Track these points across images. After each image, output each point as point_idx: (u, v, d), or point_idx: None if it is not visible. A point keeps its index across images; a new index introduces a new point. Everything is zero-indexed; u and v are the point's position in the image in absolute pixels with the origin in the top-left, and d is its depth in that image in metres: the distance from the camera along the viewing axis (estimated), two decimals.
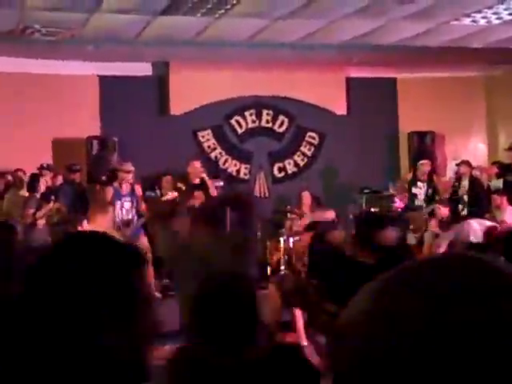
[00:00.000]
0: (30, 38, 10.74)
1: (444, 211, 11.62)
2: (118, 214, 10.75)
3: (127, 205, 10.83)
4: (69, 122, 12.57)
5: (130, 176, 10.98)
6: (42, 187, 11.01)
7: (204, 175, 11.46)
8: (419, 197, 12.60)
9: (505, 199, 11.54)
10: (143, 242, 10.80)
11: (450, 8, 10.18)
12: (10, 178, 11.74)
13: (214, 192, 11.36)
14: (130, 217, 10.78)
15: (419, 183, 12.71)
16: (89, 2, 9.26)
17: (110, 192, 10.69)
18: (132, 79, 13.07)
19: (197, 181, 11.50)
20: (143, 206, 11.02)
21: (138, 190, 11.21)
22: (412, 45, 12.29)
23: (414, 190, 12.68)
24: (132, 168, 11.11)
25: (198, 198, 11.13)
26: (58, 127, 12.57)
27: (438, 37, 11.88)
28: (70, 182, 11.86)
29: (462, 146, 14.60)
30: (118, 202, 10.82)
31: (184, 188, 11.35)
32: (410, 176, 12.94)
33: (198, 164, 11.60)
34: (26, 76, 12.38)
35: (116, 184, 10.97)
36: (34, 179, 11.01)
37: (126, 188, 10.96)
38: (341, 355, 0.80)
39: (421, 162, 12.92)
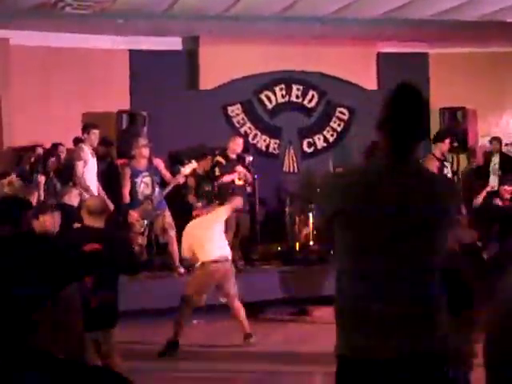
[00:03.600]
0: (60, 11, 10.73)
1: None
2: (138, 190, 10.81)
3: (147, 180, 10.87)
4: (99, 96, 12.58)
5: (145, 151, 11.01)
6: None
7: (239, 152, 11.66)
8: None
9: None
10: (167, 216, 10.86)
11: None
12: (40, 151, 11.83)
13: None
14: (150, 191, 10.83)
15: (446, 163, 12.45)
16: None
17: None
18: (162, 53, 13.03)
19: (234, 156, 11.55)
20: (168, 177, 11.09)
21: (159, 163, 11.24)
22: (445, 19, 12.13)
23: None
24: (145, 142, 11.15)
25: (239, 172, 11.31)
26: (89, 101, 12.59)
27: (472, 11, 11.72)
28: (102, 156, 11.90)
29: (494, 123, 14.44)
30: (138, 179, 10.88)
31: (224, 162, 11.48)
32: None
33: (240, 140, 11.78)
34: (57, 50, 12.39)
35: (133, 161, 11.03)
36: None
37: (143, 163, 11.00)
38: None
39: (447, 140, 12.48)
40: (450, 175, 12.14)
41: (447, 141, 12.30)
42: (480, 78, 14.21)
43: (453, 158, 13.11)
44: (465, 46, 14.06)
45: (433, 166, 11.75)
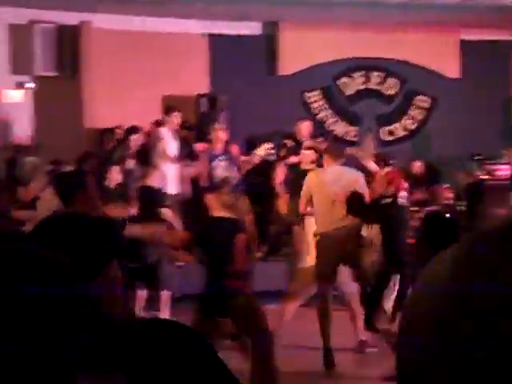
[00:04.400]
0: None
1: None
2: (215, 173, 10.83)
3: (223, 163, 10.88)
4: (179, 80, 12.63)
5: (222, 134, 11.00)
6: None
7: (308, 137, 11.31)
8: None
9: None
10: (243, 201, 10.84)
11: None
12: (119, 133, 11.95)
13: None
14: (227, 175, 10.83)
15: None
16: None
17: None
18: (241, 38, 13.03)
19: (303, 139, 11.41)
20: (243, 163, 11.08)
21: (235, 148, 11.23)
22: None
23: None
24: (222, 126, 11.15)
25: (307, 157, 11.07)
26: (168, 84, 12.64)
27: None
28: (182, 139, 11.94)
29: None
30: (213, 163, 10.89)
31: (289, 145, 11.31)
32: None
33: (305, 124, 11.48)
34: (138, 34, 12.48)
35: (210, 145, 11.05)
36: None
37: (220, 147, 11.00)
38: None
39: None
40: None
41: None
42: None
43: None
44: None
45: None
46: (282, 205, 10.41)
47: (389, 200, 8.12)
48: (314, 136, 11.59)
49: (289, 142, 11.48)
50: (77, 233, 1.95)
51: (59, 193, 5.01)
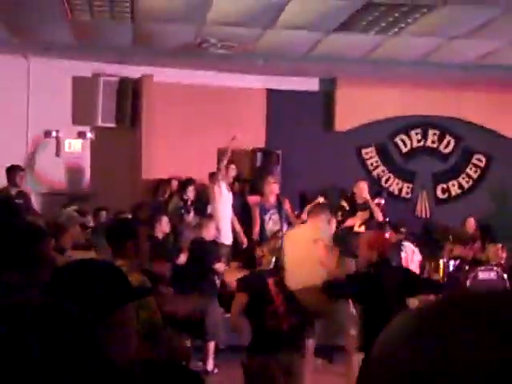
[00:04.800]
0: (204, 51, 11.03)
1: None
2: (266, 226, 10.89)
3: (275, 217, 10.94)
4: (235, 133, 12.77)
5: (274, 187, 11.09)
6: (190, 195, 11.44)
7: (368, 197, 11.26)
8: None
9: None
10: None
11: None
12: (175, 184, 12.16)
13: (378, 215, 11.18)
14: (278, 228, 10.87)
15: None
16: (266, 18, 9.40)
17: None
18: (298, 94, 13.15)
19: (360, 201, 11.35)
20: (292, 216, 11.11)
21: (286, 203, 11.27)
22: None
23: None
24: (274, 180, 11.22)
25: (360, 219, 11.04)
26: (225, 137, 12.79)
27: None
28: (237, 191, 12.06)
29: None
30: (266, 216, 10.96)
31: (347, 207, 11.26)
32: None
33: (364, 184, 11.40)
34: (198, 87, 12.71)
35: (263, 198, 11.14)
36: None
37: (272, 200, 11.07)
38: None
39: None
40: None
41: None
42: None
43: None
44: None
45: None
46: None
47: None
48: (370, 194, 11.59)
49: (345, 205, 11.43)
50: (87, 278, 2.08)
51: (109, 241, 4.94)
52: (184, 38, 10.51)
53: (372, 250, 6.31)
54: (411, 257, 10.56)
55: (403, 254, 10.47)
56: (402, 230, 11.46)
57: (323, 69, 12.58)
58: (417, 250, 10.77)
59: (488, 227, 12.05)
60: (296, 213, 11.43)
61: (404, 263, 10.25)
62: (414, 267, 10.25)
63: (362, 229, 10.60)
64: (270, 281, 6.29)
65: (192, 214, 11.36)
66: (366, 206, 11.04)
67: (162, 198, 12.14)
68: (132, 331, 2.12)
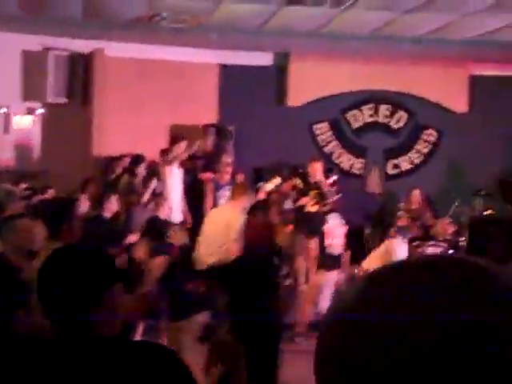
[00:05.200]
0: (156, 25, 10.89)
1: None
2: (220, 203, 10.83)
3: (228, 194, 10.90)
4: (188, 109, 12.70)
5: (228, 168, 11.05)
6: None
7: (322, 179, 11.21)
8: None
9: None
10: None
11: None
12: (127, 161, 12.00)
13: (328, 195, 11.21)
14: None
15: None
16: None
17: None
18: (252, 69, 13.08)
19: (314, 180, 11.31)
20: None
21: (240, 178, 11.23)
22: None
23: None
24: (229, 160, 11.16)
25: (312, 198, 11.03)
26: (177, 114, 12.71)
27: None
28: (188, 168, 11.97)
29: None
30: (219, 192, 10.92)
31: (301, 185, 11.23)
32: None
33: (318, 166, 11.30)
34: (149, 62, 12.55)
35: (216, 175, 11.08)
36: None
37: (226, 178, 11.03)
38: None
39: None
40: None
41: None
42: None
43: None
44: None
45: None
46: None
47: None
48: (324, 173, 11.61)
49: (299, 183, 11.39)
50: (74, 264, 2.26)
51: (45, 222, 4.67)
52: (136, 11, 10.35)
53: (252, 237, 6.09)
54: (334, 230, 10.24)
55: (326, 226, 10.22)
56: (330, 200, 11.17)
57: (277, 43, 12.52)
58: (343, 223, 10.53)
59: (432, 202, 12.15)
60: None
61: (326, 236, 10.14)
62: (338, 241, 10.18)
63: (314, 208, 10.59)
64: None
65: (144, 191, 11.22)
66: (318, 186, 11.03)
67: (113, 175, 11.95)
68: (119, 310, 2.32)
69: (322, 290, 9.83)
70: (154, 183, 11.15)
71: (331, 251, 10.07)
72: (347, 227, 10.48)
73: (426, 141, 13.99)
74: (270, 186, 10.93)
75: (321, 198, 10.87)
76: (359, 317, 0.78)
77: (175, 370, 2.12)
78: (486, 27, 11.04)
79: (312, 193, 10.92)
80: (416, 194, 12.30)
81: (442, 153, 13.86)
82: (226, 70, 13.09)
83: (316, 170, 11.22)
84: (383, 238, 11.70)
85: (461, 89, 13.75)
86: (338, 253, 10.11)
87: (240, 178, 11.42)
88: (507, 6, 9.77)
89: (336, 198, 11.44)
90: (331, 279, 10.00)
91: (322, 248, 10.17)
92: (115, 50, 12.28)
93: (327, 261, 10.05)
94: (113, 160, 12.15)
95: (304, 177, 11.39)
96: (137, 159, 11.85)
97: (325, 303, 9.43)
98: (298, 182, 11.38)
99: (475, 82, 13.77)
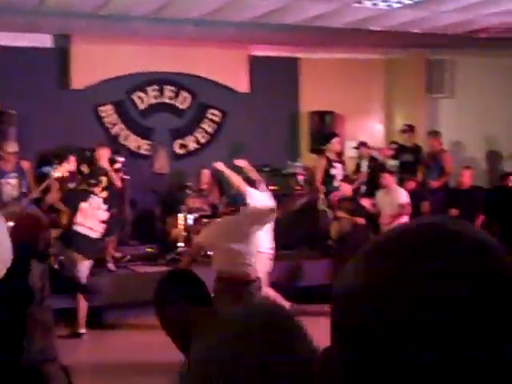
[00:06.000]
0: None
1: (347, 188, 11.83)
2: (3, 190, 10.57)
3: (13, 181, 10.64)
4: None
5: (12, 157, 10.76)
6: None
7: (107, 166, 11.19)
8: (338, 177, 12.57)
9: (392, 179, 11.65)
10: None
11: None
12: None
13: (117, 182, 11.22)
14: (16, 193, 10.60)
15: (335, 164, 12.74)
16: None
17: None
18: (32, 50, 12.73)
19: (101, 164, 11.23)
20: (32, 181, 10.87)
21: (25, 165, 10.99)
22: (314, 25, 12.45)
23: (332, 172, 12.66)
24: (12, 149, 10.84)
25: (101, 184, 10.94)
26: None
27: (340, 18, 12.09)
28: None
29: (361, 127, 14.90)
30: (2, 180, 10.64)
31: (87, 171, 11.12)
32: (322, 158, 12.84)
33: (103, 152, 11.33)
34: None
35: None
36: None
37: (10, 165, 10.76)
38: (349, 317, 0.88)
39: (335, 139, 12.86)
40: (339, 176, 12.47)
41: (334, 140, 12.73)
42: (348, 83, 14.64)
43: None
44: (334, 52, 14.47)
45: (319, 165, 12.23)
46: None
47: None
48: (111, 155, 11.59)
49: (85, 170, 11.28)
50: None
51: None
52: None
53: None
54: (93, 210, 9.92)
55: (84, 205, 9.91)
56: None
57: (56, 24, 12.25)
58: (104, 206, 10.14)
59: (218, 177, 12.46)
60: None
61: (82, 215, 9.86)
62: (95, 221, 9.89)
63: (104, 194, 10.47)
64: None
65: None
66: (105, 172, 10.98)
67: None
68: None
69: None
70: None
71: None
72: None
73: (211, 120, 14.27)
74: (57, 173, 10.70)
75: (108, 184, 10.85)
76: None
77: None
78: (261, 9, 11.41)
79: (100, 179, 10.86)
80: (205, 173, 12.59)
81: (227, 132, 14.20)
82: (3, 52, 12.64)
83: (102, 156, 11.23)
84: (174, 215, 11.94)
85: (241, 69, 14.13)
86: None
87: (25, 164, 11.14)
88: None
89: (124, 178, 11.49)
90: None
91: None
92: None
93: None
94: None
95: (91, 162, 11.33)
96: None
97: None
98: (83, 168, 11.31)
99: (255, 63, 14.20)
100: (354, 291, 0.87)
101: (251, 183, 9.26)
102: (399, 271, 0.85)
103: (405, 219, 10.56)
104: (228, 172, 9.52)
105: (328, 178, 12.58)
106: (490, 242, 0.88)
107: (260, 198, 8.92)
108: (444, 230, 0.89)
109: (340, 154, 13.05)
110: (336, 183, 12.45)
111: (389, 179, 11.49)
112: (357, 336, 0.85)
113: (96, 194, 10.04)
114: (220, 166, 9.85)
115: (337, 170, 12.63)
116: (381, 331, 0.83)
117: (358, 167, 13.75)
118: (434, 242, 0.87)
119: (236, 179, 9.27)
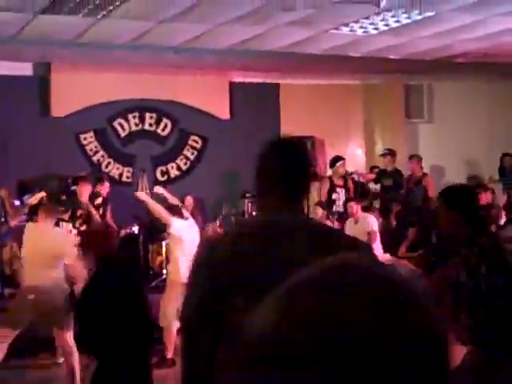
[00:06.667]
0: None
1: (319, 213, 11.83)
2: None
3: None
4: None
5: None
6: None
7: (87, 201, 11.13)
8: (338, 202, 12.35)
9: (358, 207, 11.23)
10: (14, 247, 10.59)
11: (329, 17, 10.48)
12: None
13: (96, 218, 11.10)
14: None
15: (338, 189, 12.50)
16: None
17: None
18: (11, 79, 12.76)
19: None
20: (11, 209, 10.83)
21: (3, 193, 10.96)
22: (293, 51, 12.56)
23: (333, 196, 12.43)
24: None
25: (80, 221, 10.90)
26: None
27: (319, 44, 12.20)
28: None
29: (341, 152, 14.95)
30: None
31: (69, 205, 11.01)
32: (325, 181, 12.62)
33: (85, 187, 11.20)
34: None
35: None
36: None
37: None
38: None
39: (339, 163, 12.63)
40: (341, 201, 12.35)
41: (339, 164, 12.63)
42: (328, 108, 14.75)
43: None
44: (313, 78, 14.59)
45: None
46: None
47: None
48: (93, 179, 11.57)
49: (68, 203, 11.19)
50: None
51: None
52: None
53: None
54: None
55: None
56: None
57: (36, 53, 12.31)
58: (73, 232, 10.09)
59: (202, 203, 12.50)
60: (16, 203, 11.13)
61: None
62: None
63: (83, 228, 10.41)
64: None
65: None
66: (85, 208, 10.96)
67: None
68: None
69: None
70: None
71: None
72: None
73: (192, 147, 14.31)
74: (34, 200, 10.65)
75: (87, 219, 10.85)
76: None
77: None
78: (241, 36, 11.51)
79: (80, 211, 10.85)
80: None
81: (209, 159, 14.24)
82: None
83: (83, 192, 11.13)
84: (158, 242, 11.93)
85: (222, 96, 14.21)
86: None
87: (3, 192, 11.11)
88: (258, 16, 10.24)
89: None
90: None
91: None
92: None
93: None
94: None
95: (72, 195, 11.25)
96: None
97: None
98: (67, 201, 11.23)
99: (235, 89, 14.29)
100: (265, 331, 0.87)
101: (175, 212, 9.21)
102: (309, 310, 0.86)
103: (375, 246, 10.18)
104: (151, 202, 9.44)
105: (328, 202, 12.36)
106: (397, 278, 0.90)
107: (181, 227, 8.97)
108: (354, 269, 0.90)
109: (344, 179, 12.80)
110: (336, 208, 12.30)
111: (355, 208, 11.09)
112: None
113: (65, 221, 10.05)
114: (142, 195, 9.84)
115: (338, 195, 12.53)
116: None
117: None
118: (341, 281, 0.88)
119: (158, 209, 9.22)
